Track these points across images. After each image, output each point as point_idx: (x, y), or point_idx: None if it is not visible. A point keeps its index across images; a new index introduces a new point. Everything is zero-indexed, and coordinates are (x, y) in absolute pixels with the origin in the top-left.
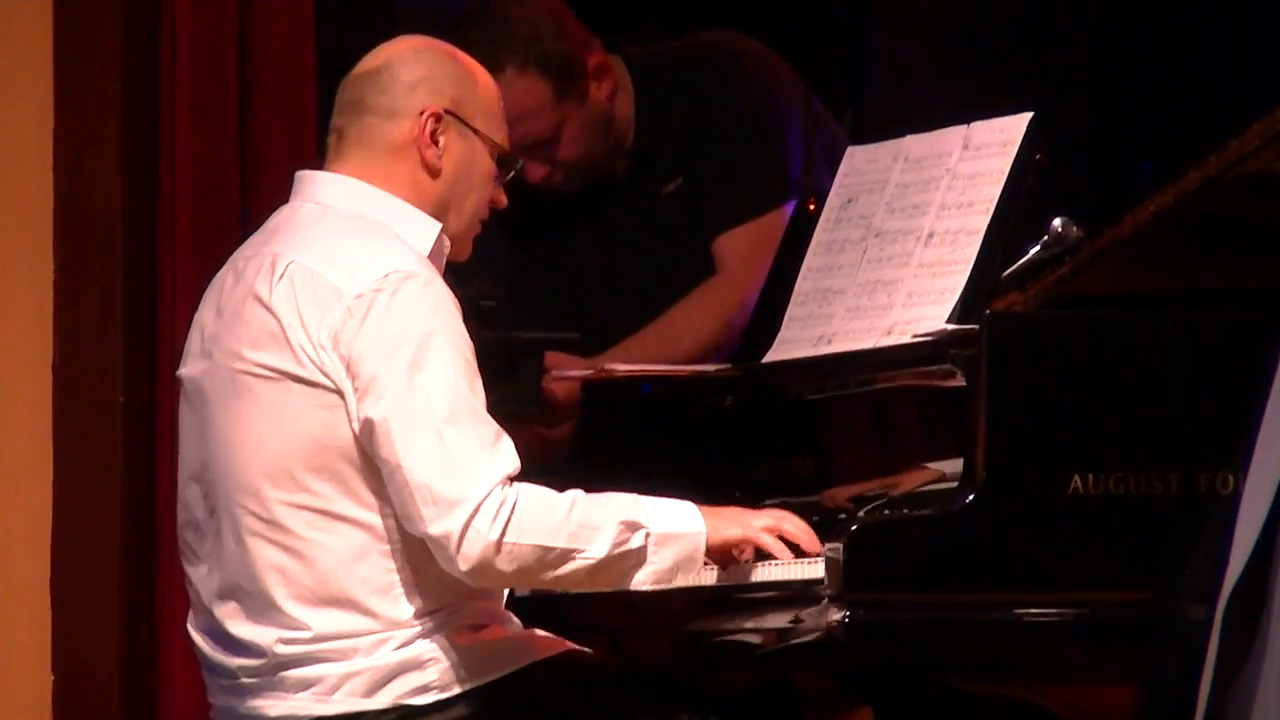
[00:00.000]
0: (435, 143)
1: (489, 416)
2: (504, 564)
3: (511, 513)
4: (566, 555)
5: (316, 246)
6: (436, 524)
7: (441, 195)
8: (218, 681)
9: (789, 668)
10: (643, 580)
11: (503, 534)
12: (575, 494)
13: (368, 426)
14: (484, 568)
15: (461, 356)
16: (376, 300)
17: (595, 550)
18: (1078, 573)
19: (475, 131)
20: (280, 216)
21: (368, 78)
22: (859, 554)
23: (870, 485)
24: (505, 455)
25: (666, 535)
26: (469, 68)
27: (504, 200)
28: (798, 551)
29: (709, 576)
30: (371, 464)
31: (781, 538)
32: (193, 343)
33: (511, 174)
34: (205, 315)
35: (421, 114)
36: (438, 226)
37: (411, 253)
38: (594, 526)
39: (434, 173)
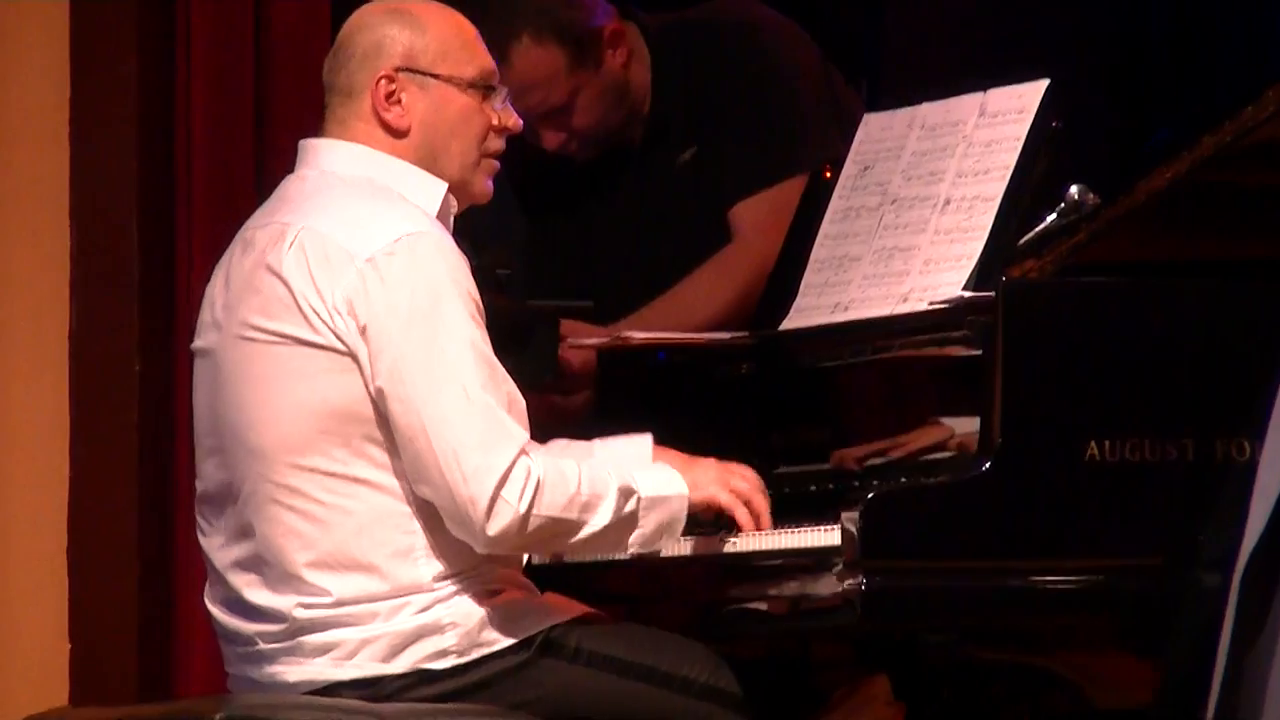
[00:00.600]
0: (398, 102)
1: (505, 375)
2: (524, 533)
3: (537, 486)
4: (577, 525)
5: (325, 212)
6: (462, 490)
7: (419, 149)
8: (234, 650)
9: (805, 636)
10: (631, 544)
11: (530, 507)
12: (577, 460)
13: (385, 392)
14: (504, 537)
15: (474, 317)
16: (391, 263)
17: (600, 519)
18: (1093, 540)
19: (436, 77)
20: (287, 186)
21: (329, 58)
22: (875, 522)
23: (878, 445)
24: (520, 421)
25: (654, 499)
26: (417, 16)
27: (514, 120)
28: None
29: (724, 545)
30: (387, 427)
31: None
32: (204, 315)
33: (501, 96)
34: (216, 287)
35: (374, 80)
36: (444, 186)
37: (420, 213)
38: (599, 494)
39: (401, 132)
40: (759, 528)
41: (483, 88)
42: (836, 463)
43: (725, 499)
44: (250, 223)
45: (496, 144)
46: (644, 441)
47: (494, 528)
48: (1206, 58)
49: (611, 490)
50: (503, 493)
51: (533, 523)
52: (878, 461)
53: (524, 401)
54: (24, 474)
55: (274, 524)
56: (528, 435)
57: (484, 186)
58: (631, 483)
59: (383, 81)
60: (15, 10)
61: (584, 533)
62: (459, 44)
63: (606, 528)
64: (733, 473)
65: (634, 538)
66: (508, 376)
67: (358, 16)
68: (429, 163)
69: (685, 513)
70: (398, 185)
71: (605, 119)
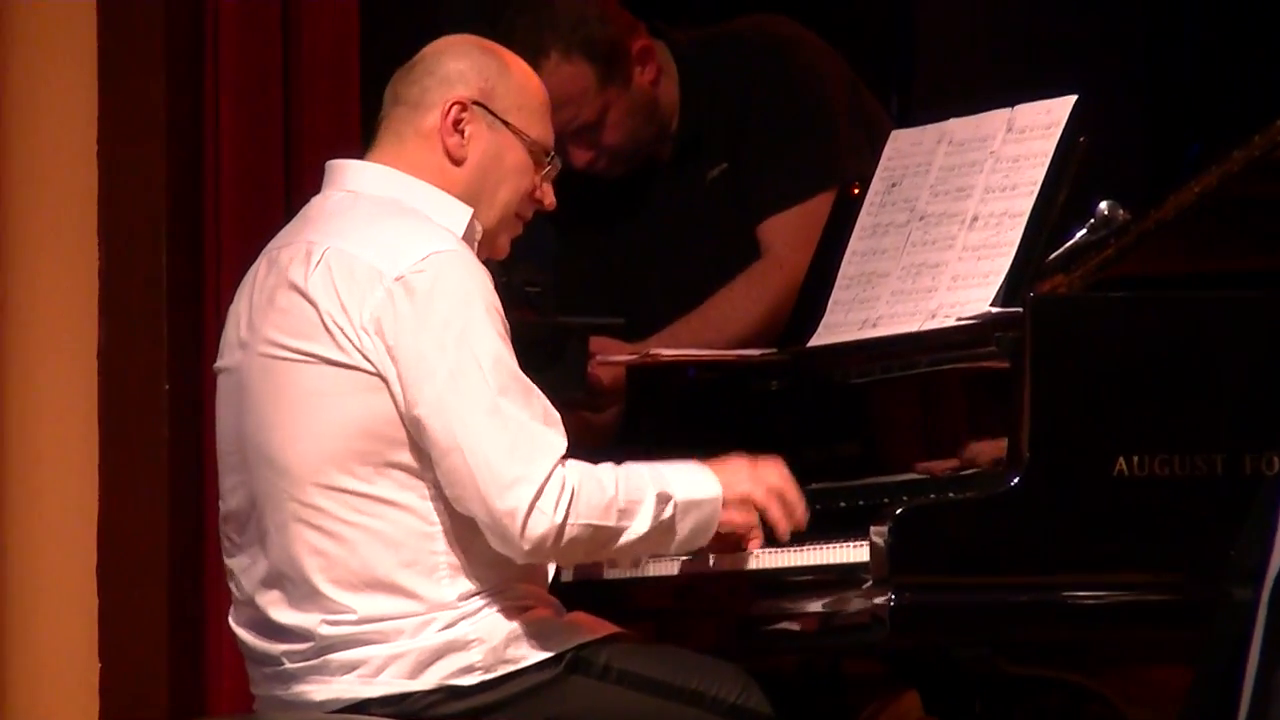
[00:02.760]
0: (461, 132)
1: (535, 388)
2: (561, 543)
3: (573, 495)
4: (616, 533)
5: (352, 232)
6: (500, 503)
7: (468, 185)
8: (261, 670)
9: (835, 651)
10: (670, 548)
11: (566, 515)
12: (614, 470)
13: (417, 410)
14: (541, 547)
15: (501, 334)
16: (420, 280)
17: (639, 525)
18: (1123, 555)
19: (506, 124)
20: (313, 207)
21: (405, 70)
22: (904, 537)
23: (910, 470)
24: (558, 432)
25: (690, 503)
26: (506, 62)
27: (551, 199)
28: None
29: (753, 561)
30: (413, 447)
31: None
32: (229, 335)
33: (552, 173)
34: (240, 307)
35: (446, 103)
36: (469, 211)
37: (447, 233)
38: (636, 500)
39: (457, 161)
40: (794, 523)
41: (541, 153)
42: (870, 484)
43: (760, 496)
44: (275, 242)
45: (529, 210)
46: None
47: (531, 539)
48: (1237, 72)
49: (649, 495)
50: (539, 504)
51: (570, 531)
52: (910, 477)
53: (558, 414)
54: (53, 492)
55: (298, 543)
56: (565, 445)
57: (505, 243)
58: (666, 486)
59: (455, 107)
60: (43, 29)
61: (623, 539)
62: (536, 104)
63: (646, 533)
64: (764, 468)
65: (673, 543)
66: (539, 391)
67: (447, 40)
68: (471, 199)
69: (719, 514)
70: (424, 207)
71: (634, 136)
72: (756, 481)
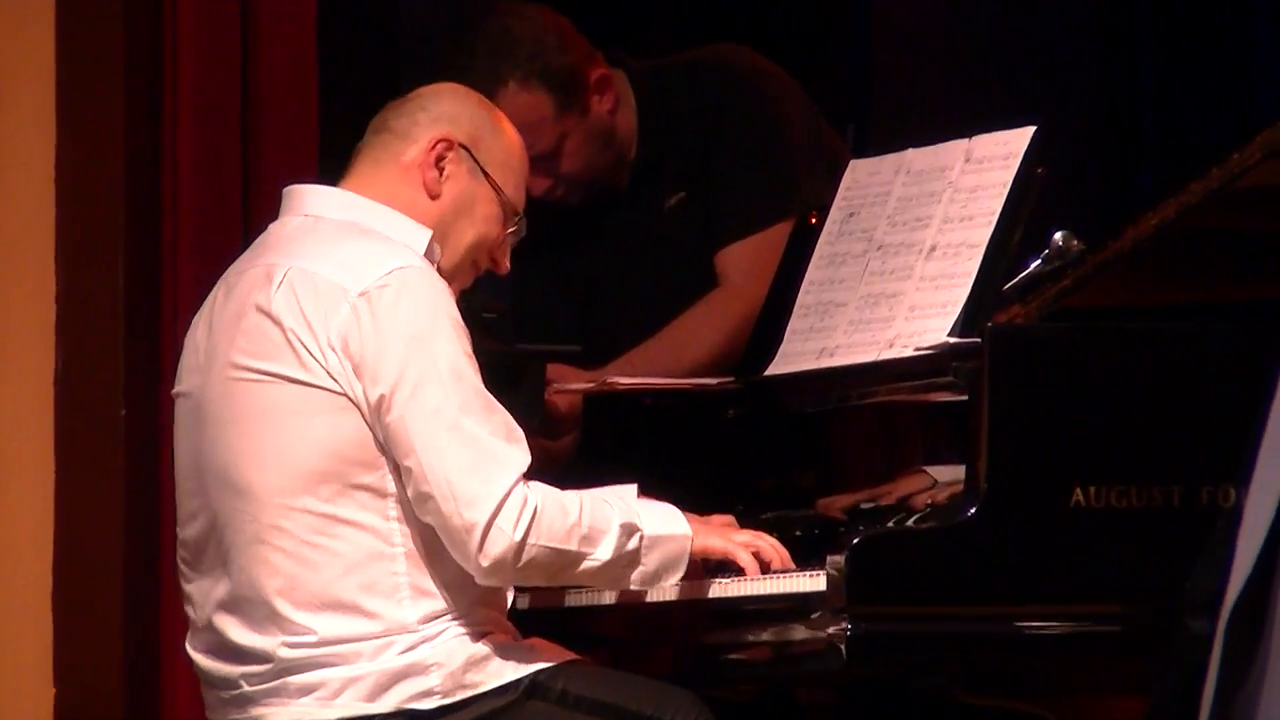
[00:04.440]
0: (440, 169)
1: (498, 404)
2: (521, 564)
3: (534, 515)
4: (577, 558)
5: (314, 252)
6: (458, 519)
7: (437, 221)
8: (217, 694)
9: (792, 681)
10: (633, 582)
11: (525, 535)
12: (581, 495)
13: (382, 424)
14: (501, 566)
15: (464, 348)
16: (383, 297)
17: (601, 553)
18: (1080, 585)
19: (486, 175)
20: (271, 233)
21: (397, 103)
22: (861, 567)
23: (862, 495)
24: (521, 450)
25: (657, 538)
26: (499, 120)
27: (506, 264)
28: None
29: (711, 590)
30: (376, 467)
31: (757, 555)
32: (187, 360)
33: (517, 235)
34: (198, 333)
35: (433, 139)
36: (428, 233)
37: (409, 250)
38: (601, 529)
39: (432, 195)
40: (766, 570)
41: (511, 211)
42: (822, 510)
43: (720, 545)
44: (233, 268)
45: (484, 263)
46: (629, 490)
47: (489, 556)
48: (1191, 104)
49: (614, 525)
50: (497, 521)
51: (529, 552)
52: (865, 507)
53: (522, 431)
54: (9, 517)
55: (259, 564)
56: (527, 462)
57: (455, 290)
58: (635, 520)
59: (441, 144)
60: (0, 48)
61: (584, 565)
62: (516, 166)
63: (608, 563)
64: (738, 531)
65: (636, 575)
66: (501, 407)
67: (446, 85)
68: (440, 233)
69: (688, 553)
70: (384, 229)
71: (592, 164)
72: (727, 538)
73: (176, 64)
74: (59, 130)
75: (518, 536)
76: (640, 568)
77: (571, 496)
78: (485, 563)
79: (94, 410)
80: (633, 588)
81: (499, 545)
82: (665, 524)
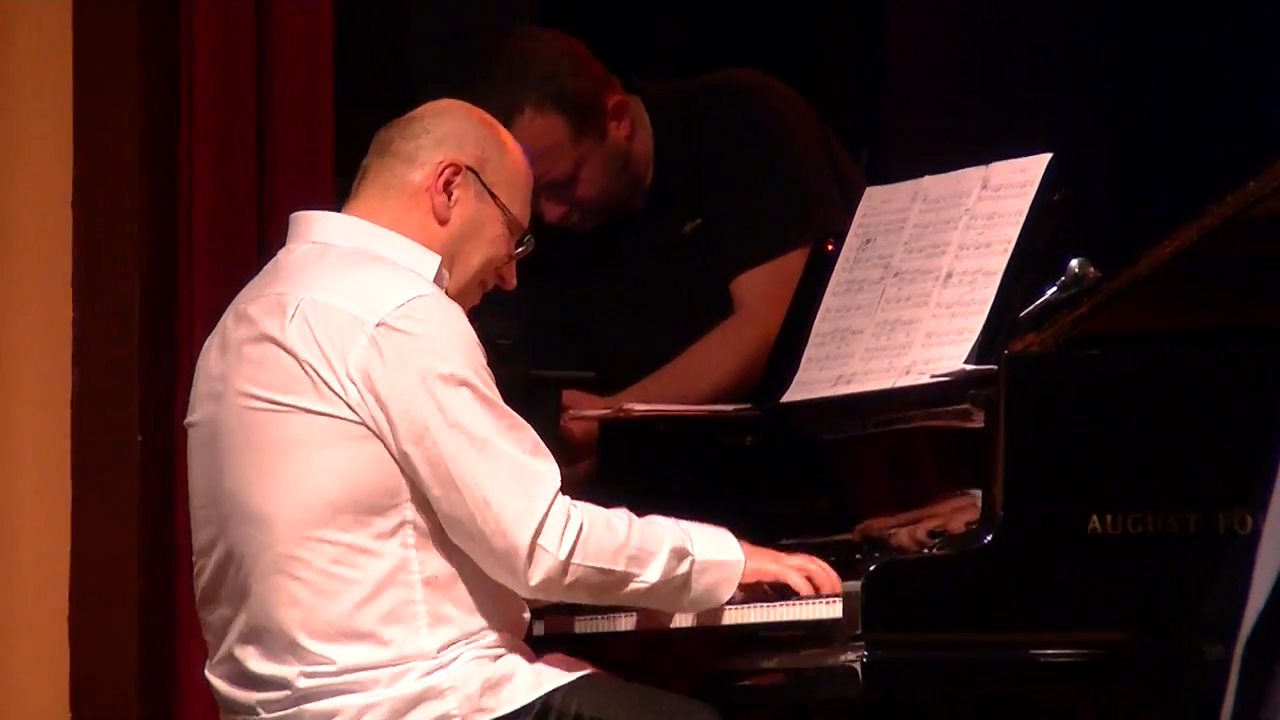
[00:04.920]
0: (449, 193)
1: (523, 421)
2: (568, 582)
3: (579, 533)
4: (625, 579)
5: (324, 282)
6: (502, 540)
7: (447, 246)
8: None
9: (807, 707)
10: (683, 605)
11: (570, 554)
12: (628, 515)
13: (410, 455)
14: (548, 585)
15: (485, 371)
16: (401, 326)
17: (649, 575)
18: (1095, 612)
19: (493, 196)
20: (279, 260)
21: (402, 123)
22: (877, 593)
23: (906, 516)
24: (551, 464)
25: (708, 563)
26: (503, 139)
27: (513, 281)
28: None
29: (727, 616)
30: (394, 495)
31: (810, 580)
32: (199, 389)
33: (525, 253)
34: (209, 361)
35: (440, 163)
36: (437, 259)
37: (420, 277)
38: (650, 551)
39: (441, 221)
40: (821, 591)
41: (518, 230)
42: (842, 541)
43: (774, 568)
44: (242, 296)
45: (491, 283)
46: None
47: (536, 576)
48: (1208, 130)
49: (664, 548)
50: (540, 540)
51: (575, 571)
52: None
53: (545, 445)
54: (27, 542)
55: (277, 594)
56: (559, 476)
57: (469, 304)
58: (687, 544)
59: (449, 169)
60: (17, 76)
61: (631, 586)
62: (522, 184)
63: (656, 584)
64: (790, 555)
65: (687, 600)
66: (526, 423)
67: (447, 103)
68: (448, 257)
69: (738, 578)
70: (392, 255)
71: (608, 190)
72: (781, 561)
73: (192, 85)
74: (75, 152)
75: (563, 555)
76: (690, 593)
77: (620, 515)
78: (533, 582)
79: (110, 434)
80: (683, 610)
81: (544, 564)
82: (717, 549)
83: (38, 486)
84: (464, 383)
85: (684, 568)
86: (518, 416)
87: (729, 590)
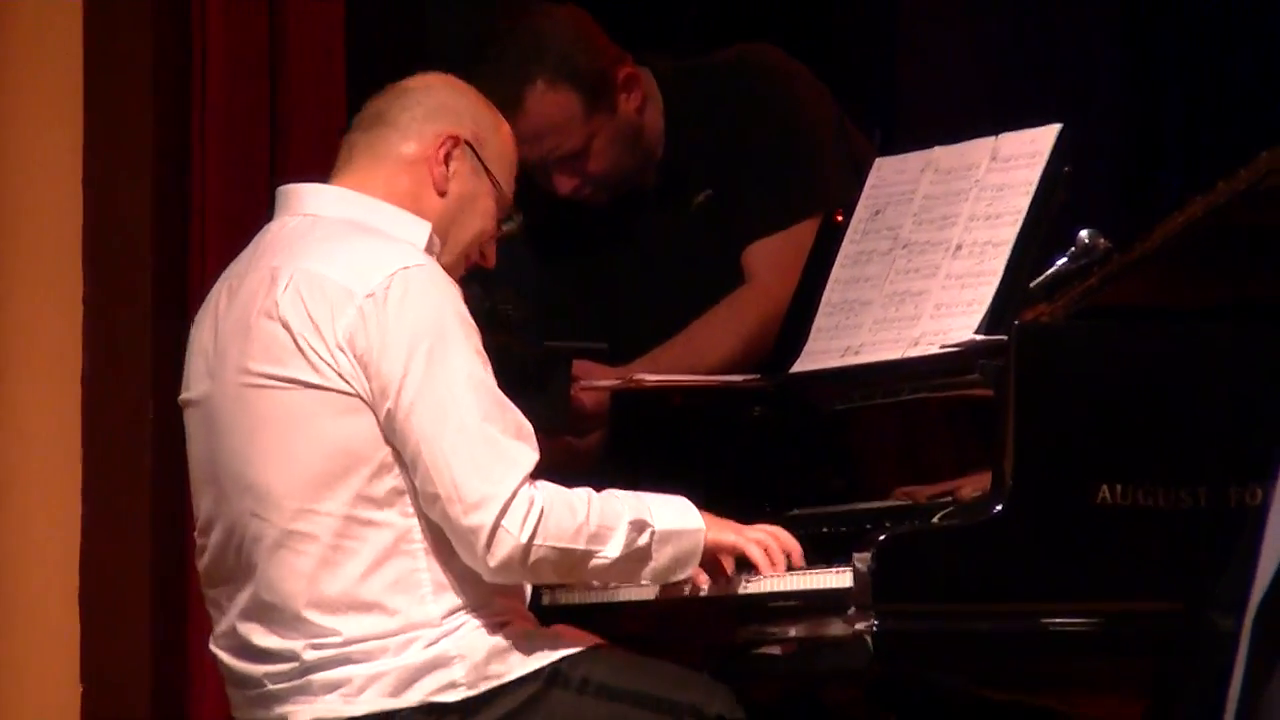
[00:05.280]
0: (446, 165)
1: (508, 401)
2: (529, 563)
3: (540, 516)
4: (586, 556)
5: (316, 253)
6: (464, 520)
7: (442, 217)
8: (242, 693)
9: (817, 678)
10: (644, 578)
11: (532, 536)
12: (589, 494)
13: (391, 425)
14: (508, 566)
15: (474, 345)
16: (389, 298)
17: (610, 550)
18: (1105, 584)
19: (487, 171)
20: (268, 233)
21: (395, 93)
22: (887, 565)
23: (893, 497)
24: (529, 447)
25: (668, 533)
26: (496, 116)
27: (493, 258)
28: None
29: (737, 586)
30: (392, 465)
31: (768, 551)
32: (194, 366)
33: (509, 231)
34: (203, 336)
35: (439, 135)
36: (428, 226)
37: (412, 247)
38: (609, 527)
39: (440, 191)
40: (780, 567)
41: (505, 206)
42: (853, 511)
43: (732, 539)
44: (232, 270)
45: (475, 257)
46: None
47: (496, 557)
48: (1218, 102)
49: (622, 522)
50: (504, 522)
51: (536, 552)
52: (892, 504)
53: (530, 426)
54: (37, 518)
55: (280, 567)
56: (535, 460)
57: (455, 277)
58: (646, 516)
59: (449, 140)
60: (29, 57)
61: (593, 563)
62: (511, 161)
63: (617, 559)
64: (751, 527)
65: (647, 571)
66: (511, 404)
67: (440, 76)
68: (441, 230)
69: (701, 547)
70: (383, 225)
71: (620, 164)
72: (740, 533)
73: (205, 66)
74: (86, 132)
75: (524, 538)
76: (651, 563)
77: (580, 495)
78: (493, 563)
79: (121, 411)
80: (643, 583)
81: (505, 546)
82: (677, 519)
83: (49, 462)
84: (449, 357)
85: (644, 539)
86: (502, 397)
87: (693, 559)
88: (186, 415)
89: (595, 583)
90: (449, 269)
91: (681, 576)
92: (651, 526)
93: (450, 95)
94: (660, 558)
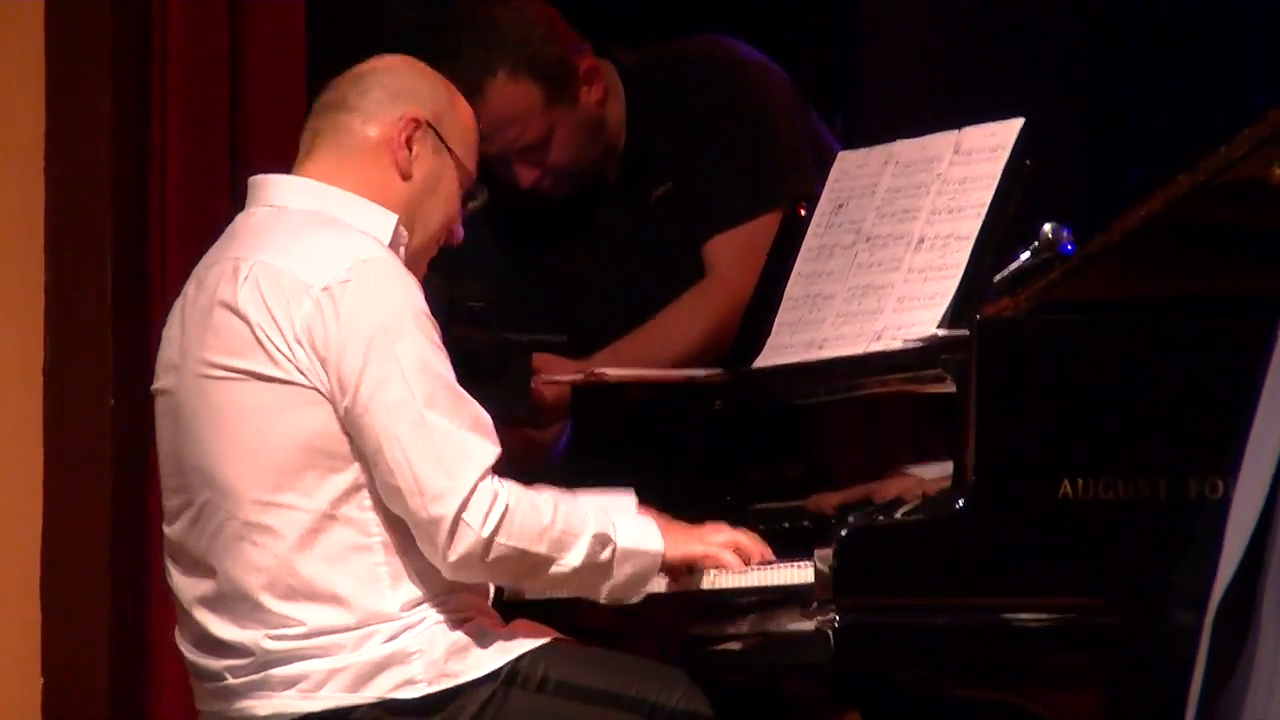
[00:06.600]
0: (409, 148)
1: (466, 395)
2: (489, 561)
3: (504, 513)
4: (547, 562)
5: (277, 245)
6: (425, 513)
7: (409, 202)
8: (204, 686)
9: (779, 672)
10: (602, 593)
11: (494, 533)
12: (555, 497)
13: (349, 419)
14: (468, 561)
15: (431, 340)
16: (345, 290)
17: (571, 559)
18: (1067, 578)
19: (449, 151)
20: (238, 224)
21: (353, 78)
22: (849, 559)
23: (855, 492)
24: (489, 441)
25: (630, 551)
26: (452, 93)
27: (461, 234)
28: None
29: (700, 582)
30: (350, 459)
31: (739, 551)
32: (164, 357)
33: (475, 209)
34: (172, 328)
35: (401, 118)
36: (394, 217)
37: (372, 239)
38: (573, 534)
39: (404, 175)
40: (746, 564)
41: (468, 184)
42: (814, 506)
43: (700, 550)
44: (203, 261)
45: (443, 238)
46: (627, 497)
47: (457, 551)
48: (1180, 96)
49: (587, 532)
50: (464, 515)
51: (497, 550)
52: (854, 499)
53: (490, 419)
54: None
55: (240, 560)
56: (495, 454)
57: (423, 268)
58: (610, 530)
59: (410, 122)
60: None
61: (553, 570)
62: (472, 140)
63: (577, 569)
64: (715, 531)
65: (606, 586)
66: (470, 398)
67: (395, 58)
68: (409, 215)
69: (657, 569)
70: (348, 217)
71: (580, 155)
72: (706, 542)
73: (165, 57)
74: (48, 121)
75: (485, 533)
76: (610, 580)
77: (546, 498)
78: (452, 557)
79: (82, 401)
80: (601, 599)
81: (466, 540)
82: (640, 537)
83: (10, 453)
84: (405, 350)
85: (606, 554)
86: (460, 391)
87: (648, 580)
88: (156, 404)
89: (550, 592)
90: (420, 252)
91: (636, 599)
92: (614, 542)
93: (409, 77)
94: (619, 575)
